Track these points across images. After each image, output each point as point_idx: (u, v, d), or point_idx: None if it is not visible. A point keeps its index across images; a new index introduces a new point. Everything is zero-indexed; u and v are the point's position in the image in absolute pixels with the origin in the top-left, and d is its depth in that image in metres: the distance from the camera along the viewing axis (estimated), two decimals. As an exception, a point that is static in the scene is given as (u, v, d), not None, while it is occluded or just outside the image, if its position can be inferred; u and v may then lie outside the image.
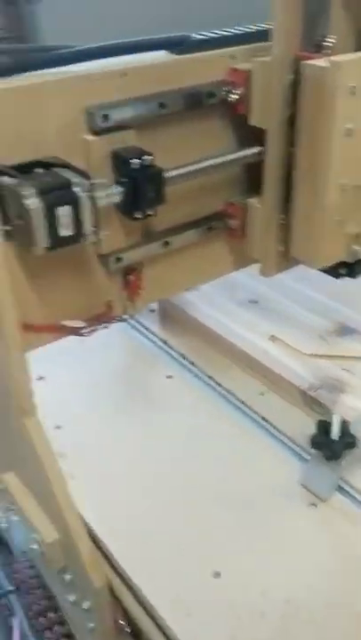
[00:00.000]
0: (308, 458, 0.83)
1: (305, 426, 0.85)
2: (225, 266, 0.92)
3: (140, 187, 0.71)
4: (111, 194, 0.70)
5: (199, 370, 1.05)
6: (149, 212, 0.74)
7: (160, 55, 0.78)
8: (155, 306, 1.19)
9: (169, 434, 0.92)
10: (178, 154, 0.78)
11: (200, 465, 0.87)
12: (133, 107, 0.72)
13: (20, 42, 3.43)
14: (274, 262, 0.83)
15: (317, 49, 0.74)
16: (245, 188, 0.86)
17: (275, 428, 0.91)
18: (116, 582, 0.74)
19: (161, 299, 1.15)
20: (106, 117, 0.70)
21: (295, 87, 0.72)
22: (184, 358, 1.08)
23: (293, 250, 0.81)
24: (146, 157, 0.71)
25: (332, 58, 0.68)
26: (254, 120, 0.77)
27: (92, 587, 0.73)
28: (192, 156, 0.78)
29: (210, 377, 1.03)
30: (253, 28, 0.86)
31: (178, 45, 0.79)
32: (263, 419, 0.93)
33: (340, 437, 0.76)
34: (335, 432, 0.76)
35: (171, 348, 1.12)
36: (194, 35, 0.81)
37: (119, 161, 0.71)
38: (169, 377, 1.04)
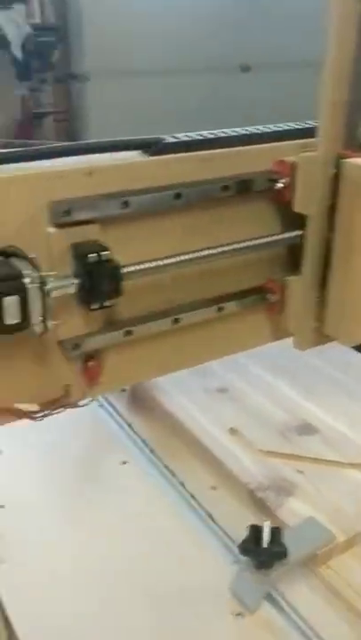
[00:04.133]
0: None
1: (249, 527, 0.84)
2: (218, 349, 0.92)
3: (96, 280, 0.74)
4: (65, 285, 0.73)
5: (157, 457, 1.05)
6: (106, 304, 0.77)
7: (132, 155, 0.82)
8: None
9: (109, 523, 0.91)
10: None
11: (135, 555, 0.85)
12: (96, 205, 0.75)
13: (67, 117, 3.59)
14: (309, 337, 0.87)
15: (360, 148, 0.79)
16: (286, 268, 0.90)
17: (218, 526, 0.89)
18: None
19: (122, 386, 1.15)
20: (68, 213, 0.73)
21: (337, 180, 0.78)
22: (145, 444, 1.08)
23: (327, 327, 0.85)
24: (103, 252, 0.73)
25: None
26: (298, 207, 0.82)
27: None
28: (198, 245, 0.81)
29: (165, 466, 1.02)
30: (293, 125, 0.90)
31: (151, 146, 0.83)
32: (208, 515, 0.92)
33: (269, 545, 0.74)
34: (265, 539, 0.74)
35: (134, 431, 1.12)
36: (167, 137, 0.85)
37: (77, 254, 0.74)
38: (124, 462, 1.04)
